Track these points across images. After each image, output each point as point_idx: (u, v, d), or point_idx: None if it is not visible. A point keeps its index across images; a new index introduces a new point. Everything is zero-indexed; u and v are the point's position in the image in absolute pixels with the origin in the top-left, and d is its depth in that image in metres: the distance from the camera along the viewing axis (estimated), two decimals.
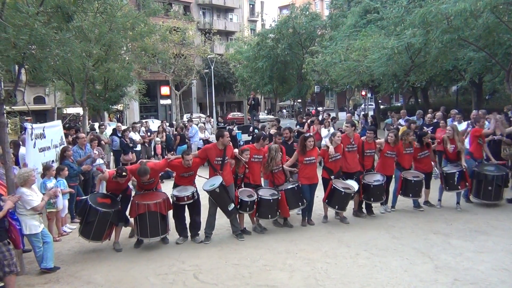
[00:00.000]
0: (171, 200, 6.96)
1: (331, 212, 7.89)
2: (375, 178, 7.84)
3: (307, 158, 7.50)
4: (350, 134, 7.87)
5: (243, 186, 7.48)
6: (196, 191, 7.02)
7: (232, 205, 6.89)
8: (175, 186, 7.17)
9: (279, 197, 7.17)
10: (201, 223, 7.17)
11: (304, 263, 5.93)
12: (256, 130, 14.47)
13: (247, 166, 7.31)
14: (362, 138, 8.11)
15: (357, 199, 7.95)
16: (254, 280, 5.48)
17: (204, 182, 7.04)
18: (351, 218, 7.94)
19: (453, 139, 8.24)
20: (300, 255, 6.25)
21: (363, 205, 8.16)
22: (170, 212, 7.08)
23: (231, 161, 7.21)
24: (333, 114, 25.00)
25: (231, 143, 7.36)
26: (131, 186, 7.53)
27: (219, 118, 29.77)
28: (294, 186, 7.38)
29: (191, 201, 6.91)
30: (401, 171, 8.17)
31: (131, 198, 7.05)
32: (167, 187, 8.61)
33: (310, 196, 7.64)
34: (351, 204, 7.98)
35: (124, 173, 6.77)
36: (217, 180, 6.78)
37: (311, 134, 7.99)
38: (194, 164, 7.00)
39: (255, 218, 7.43)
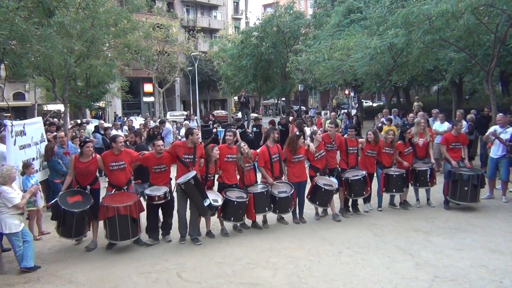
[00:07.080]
0: (143, 202, 6.77)
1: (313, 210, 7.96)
2: (354, 174, 7.89)
3: (296, 156, 7.59)
4: (332, 134, 7.95)
5: (213, 188, 7.25)
6: (170, 191, 6.84)
7: (208, 201, 6.62)
8: (150, 185, 6.98)
9: (246, 202, 7.01)
10: (173, 225, 7.04)
11: (288, 261, 5.96)
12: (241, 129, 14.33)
13: (218, 168, 7.12)
14: (344, 136, 8.18)
15: (343, 196, 8.02)
16: (237, 278, 5.48)
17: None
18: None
19: (423, 133, 8.41)
20: (283, 253, 6.28)
21: (350, 203, 8.21)
22: (143, 213, 6.84)
23: (200, 161, 7.03)
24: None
25: (201, 142, 7.10)
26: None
27: (210, 115, 27.82)
28: (263, 190, 7.20)
29: (163, 201, 6.73)
30: (382, 169, 8.23)
31: (100, 195, 6.86)
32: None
33: (299, 193, 7.65)
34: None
35: (86, 141, 6.80)
36: (191, 173, 6.60)
37: (298, 133, 7.98)
38: (165, 157, 6.87)
39: (219, 220, 7.23)
